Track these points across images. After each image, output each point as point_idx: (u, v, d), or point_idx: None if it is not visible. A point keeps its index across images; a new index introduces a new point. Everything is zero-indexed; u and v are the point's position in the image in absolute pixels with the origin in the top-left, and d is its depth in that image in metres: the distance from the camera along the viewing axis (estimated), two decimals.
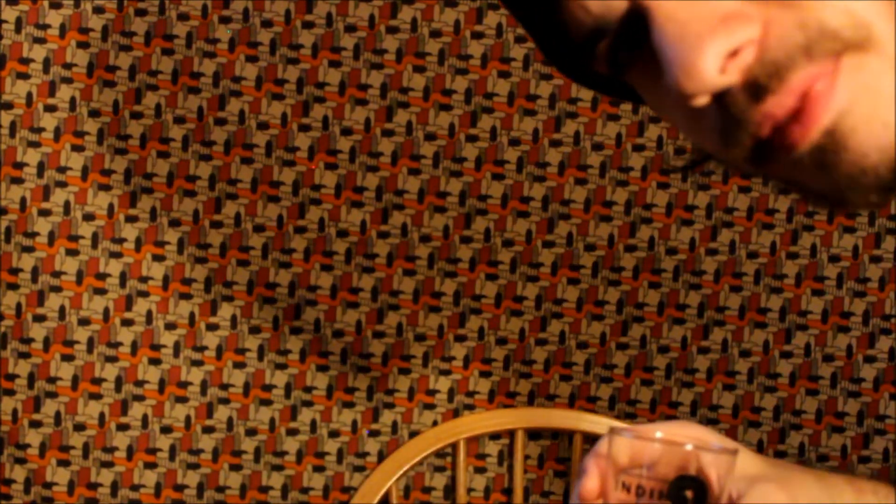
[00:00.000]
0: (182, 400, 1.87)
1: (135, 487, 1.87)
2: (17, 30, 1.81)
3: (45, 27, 1.81)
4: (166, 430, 1.87)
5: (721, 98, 0.69)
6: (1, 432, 1.85)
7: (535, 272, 1.88)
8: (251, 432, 1.88)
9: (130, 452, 1.87)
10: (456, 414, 1.89)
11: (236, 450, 1.88)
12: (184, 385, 1.87)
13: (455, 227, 1.87)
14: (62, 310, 1.84)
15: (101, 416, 1.86)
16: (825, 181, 0.70)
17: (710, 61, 0.66)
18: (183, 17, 1.82)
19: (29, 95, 1.81)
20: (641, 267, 1.89)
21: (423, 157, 1.86)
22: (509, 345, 1.89)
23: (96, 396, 1.86)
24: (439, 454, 1.90)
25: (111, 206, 1.84)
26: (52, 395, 1.85)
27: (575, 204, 1.88)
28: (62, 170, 1.83)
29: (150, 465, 1.87)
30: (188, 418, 1.87)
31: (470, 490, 1.90)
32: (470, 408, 1.90)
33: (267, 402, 1.88)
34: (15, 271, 1.83)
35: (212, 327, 1.86)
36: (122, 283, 1.85)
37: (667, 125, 1.86)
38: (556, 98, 1.86)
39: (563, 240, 1.88)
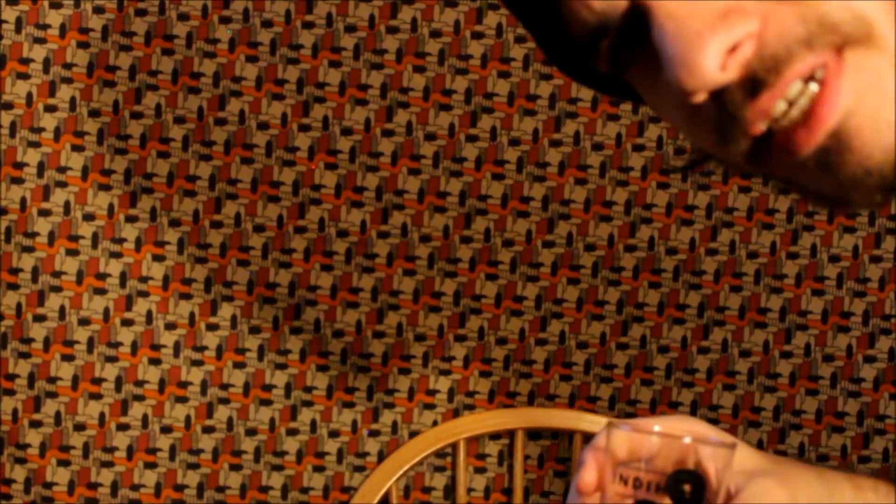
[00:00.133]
0: (182, 400, 1.87)
1: (135, 487, 1.87)
2: (17, 30, 1.81)
3: (45, 27, 1.81)
4: (166, 430, 1.87)
5: (718, 96, 0.69)
6: (1, 432, 1.85)
7: (535, 272, 1.88)
8: (251, 432, 1.88)
9: (130, 452, 1.87)
10: (456, 414, 1.89)
11: (236, 450, 1.88)
12: (184, 385, 1.87)
13: (455, 227, 1.87)
14: (62, 310, 1.84)
15: (102, 416, 1.86)
16: (828, 182, 0.70)
17: (711, 58, 0.67)
18: (183, 17, 1.82)
19: (29, 95, 1.81)
20: (641, 267, 1.89)
21: (423, 157, 1.86)
22: (509, 345, 1.89)
23: (96, 396, 1.86)
24: (439, 454, 1.90)
25: (111, 206, 1.84)
26: (53, 395, 1.85)
27: (575, 204, 1.88)
28: (62, 170, 1.83)
29: (150, 465, 1.87)
30: (188, 418, 1.87)
31: (470, 490, 1.90)
32: (470, 408, 1.90)
33: (267, 402, 1.88)
34: (15, 271, 1.83)
35: (212, 327, 1.86)
36: (122, 283, 1.85)
37: (667, 125, 1.86)
38: (556, 98, 1.87)
39: (563, 240, 1.88)
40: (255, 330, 1.87)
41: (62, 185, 1.83)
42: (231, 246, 1.86)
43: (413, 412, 1.89)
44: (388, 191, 1.86)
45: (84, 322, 1.85)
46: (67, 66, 1.81)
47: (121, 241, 1.84)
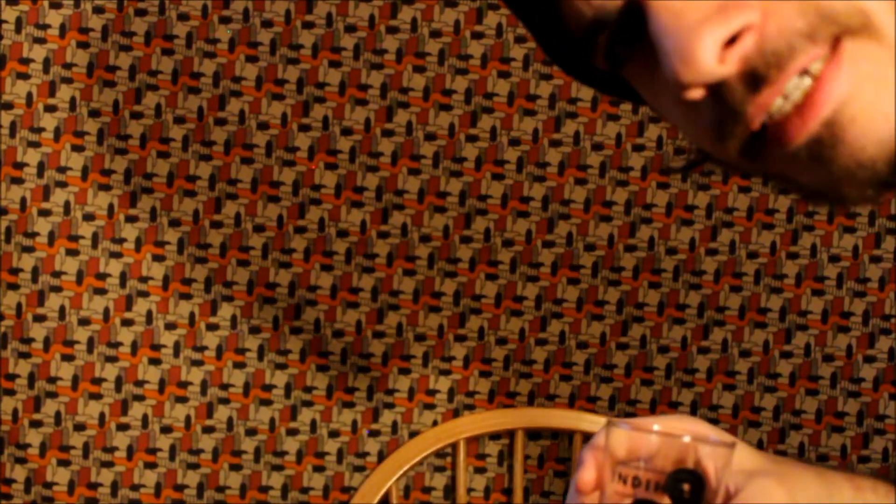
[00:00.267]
0: (182, 400, 1.87)
1: (135, 487, 1.87)
2: (17, 30, 1.81)
3: (45, 27, 1.81)
4: (166, 430, 1.87)
5: (717, 90, 0.69)
6: (1, 432, 1.85)
7: (535, 272, 1.88)
8: (251, 432, 1.88)
9: (130, 452, 1.87)
10: (456, 414, 1.89)
11: (236, 450, 1.88)
12: (184, 385, 1.87)
13: (455, 227, 1.87)
14: (62, 310, 1.84)
15: (102, 416, 1.86)
16: (821, 175, 0.70)
17: (708, 50, 0.66)
18: (183, 17, 1.82)
19: (29, 95, 1.81)
20: (641, 267, 1.89)
21: (423, 157, 1.86)
22: (509, 345, 1.89)
23: (96, 396, 1.86)
24: (439, 454, 1.90)
25: (111, 206, 1.84)
26: (53, 395, 1.85)
27: (575, 204, 1.88)
28: (62, 170, 1.83)
29: (150, 465, 1.87)
30: (188, 418, 1.87)
31: (470, 490, 1.90)
32: (470, 408, 1.89)
33: (267, 402, 1.88)
34: (15, 271, 1.83)
35: (212, 327, 1.86)
36: (122, 283, 1.85)
37: (666, 125, 1.86)
38: (556, 98, 1.87)
39: (563, 240, 1.88)
40: (255, 330, 1.87)
41: (62, 185, 1.83)
42: (231, 246, 1.86)
43: (413, 412, 1.89)
44: (388, 191, 1.86)
45: (84, 322, 1.85)
46: (67, 66, 1.81)
47: (121, 241, 1.84)
